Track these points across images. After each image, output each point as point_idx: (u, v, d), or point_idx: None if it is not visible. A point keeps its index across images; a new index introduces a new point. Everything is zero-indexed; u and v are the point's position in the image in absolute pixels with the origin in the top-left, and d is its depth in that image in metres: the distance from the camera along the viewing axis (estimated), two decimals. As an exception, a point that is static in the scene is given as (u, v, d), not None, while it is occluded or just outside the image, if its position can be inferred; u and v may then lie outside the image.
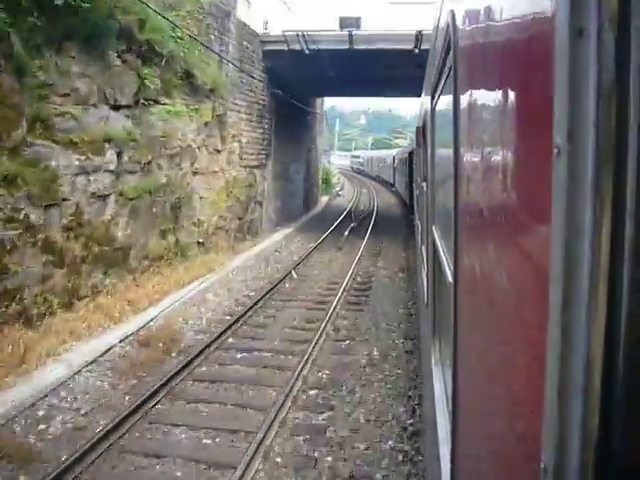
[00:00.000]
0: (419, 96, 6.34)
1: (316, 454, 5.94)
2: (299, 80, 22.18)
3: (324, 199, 37.61)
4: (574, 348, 0.68)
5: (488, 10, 1.40)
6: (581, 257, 0.67)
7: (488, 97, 1.39)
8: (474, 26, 1.70)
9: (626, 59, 0.63)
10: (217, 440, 6.17)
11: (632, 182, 0.63)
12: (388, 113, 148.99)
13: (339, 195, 44.14)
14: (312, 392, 7.44)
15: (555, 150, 0.71)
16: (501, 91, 1.19)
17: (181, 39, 11.97)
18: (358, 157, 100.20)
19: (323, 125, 38.26)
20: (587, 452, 0.67)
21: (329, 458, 5.86)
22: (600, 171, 0.65)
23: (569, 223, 0.68)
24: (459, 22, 2.06)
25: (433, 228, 3.80)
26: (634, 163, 0.63)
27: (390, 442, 6.18)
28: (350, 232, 22.31)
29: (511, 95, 1.09)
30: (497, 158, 1.23)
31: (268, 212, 21.14)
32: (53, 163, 8.49)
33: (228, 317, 10.37)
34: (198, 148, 13.76)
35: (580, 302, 0.67)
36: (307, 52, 17.76)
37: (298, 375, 7.65)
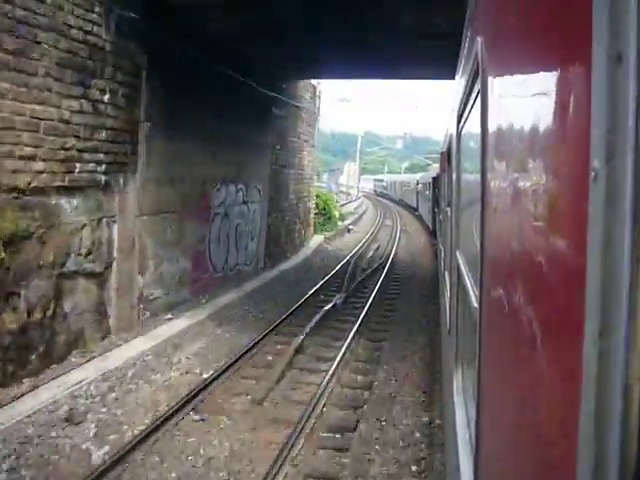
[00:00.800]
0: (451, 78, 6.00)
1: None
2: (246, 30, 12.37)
3: (317, 240, 25.51)
4: (611, 375, 0.66)
5: (517, 36, 1.40)
6: (619, 285, 0.65)
7: (518, 123, 1.39)
8: (503, 52, 1.70)
9: None
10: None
11: None
12: (425, 138, 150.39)
13: (350, 231, 33.08)
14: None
15: (592, 173, 0.70)
16: (532, 117, 1.19)
17: None
18: (382, 181, 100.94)
19: (315, 129, 24.57)
20: None
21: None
22: (639, 195, 0.64)
23: (606, 249, 0.67)
24: (487, 48, 2.07)
25: (457, 253, 3.78)
26: None
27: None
28: (328, 317, 12.13)
29: (544, 120, 1.09)
30: (527, 184, 1.22)
31: (134, 287, 10.61)
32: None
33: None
34: None
35: (619, 330, 0.65)
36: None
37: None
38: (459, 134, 4.05)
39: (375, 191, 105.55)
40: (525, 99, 1.29)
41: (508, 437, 1.35)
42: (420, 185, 37.16)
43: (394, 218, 44.78)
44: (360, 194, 78.80)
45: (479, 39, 2.26)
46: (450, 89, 5.96)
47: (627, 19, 0.66)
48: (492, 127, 1.87)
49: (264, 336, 10.52)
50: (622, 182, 0.65)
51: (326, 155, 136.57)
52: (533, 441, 1.05)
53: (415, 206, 42.81)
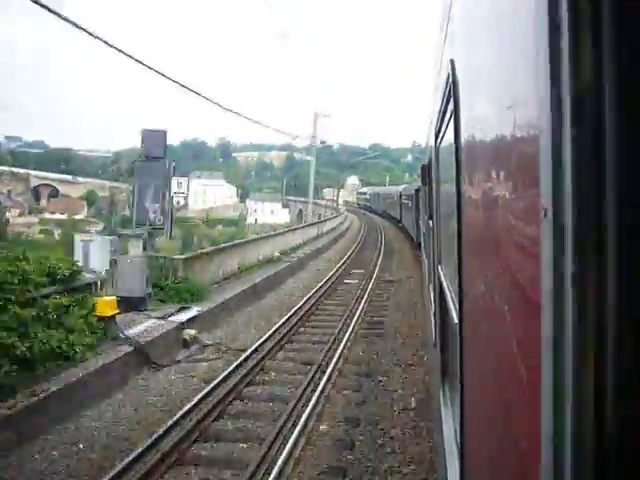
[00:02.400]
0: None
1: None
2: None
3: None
4: (565, 395, 0.71)
5: (484, 60, 1.45)
6: (567, 307, 0.71)
7: (486, 143, 1.43)
8: (472, 75, 1.75)
9: (601, 128, 0.68)
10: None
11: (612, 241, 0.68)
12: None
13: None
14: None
15: (542, 212, 0.76)
16: (497, 139, 1.23)
17: None
18: (364, 194, 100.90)
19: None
20: None
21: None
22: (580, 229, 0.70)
23: (556, 271, 0.73)
24: (458, 70, 2.13)
25: (439, 268, 3.82)
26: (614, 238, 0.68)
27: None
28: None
29: (505, 144, 1.13)
30: (495, 201, 1.26)
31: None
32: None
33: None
34: None
35: (567, 343, 0.71)
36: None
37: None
38: (437, 149, 4.10)
39: (358, 204, 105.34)
40: (491, 123, 1.34)
41: (489, 450, 1.38)
42: (403, 197, 37.24)
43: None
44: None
45: (450, 60, 2.31)
46: (428, 101, 6.03)
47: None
48: (464, 147, 1.92)
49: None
50: (566, 224, 0.71)
51: (329, 169, 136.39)
52: (506, 453, 1.08)
53: (399, 218, 42.89)
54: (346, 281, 23.49)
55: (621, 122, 0.67)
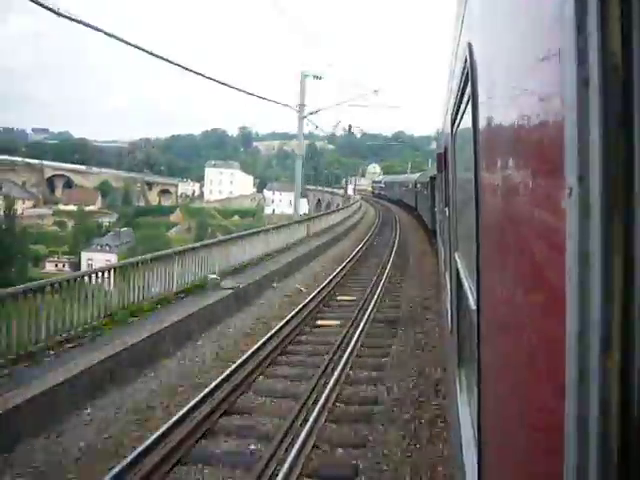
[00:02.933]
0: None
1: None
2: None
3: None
4: (590, 381, 0.70)
5: (503, 42, 1.44)
6: (593, 287, 0.70)
7: (505, 128, 1.42)
8: (490, 58, 1.74)
9: (629, 106, 0.67)
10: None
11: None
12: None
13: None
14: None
15: (567, 194, 0.74)
16: (517, 123, 1.22)
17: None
18: (380, 182, 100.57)
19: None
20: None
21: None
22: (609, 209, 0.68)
23: (581, 252, 0.72)
24: (476, 54, 2.10)
25: (456, 255, 3.81)
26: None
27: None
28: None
29: (526, 128, 1.12)
30: (515, 187, 1.26)
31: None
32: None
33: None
34: None
35: (594, 330, 0.70)
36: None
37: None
38: (454, 136, 4.07)
39: (373, 192, 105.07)
40: (510, 106, 1.33)
41: (509, 435, 1.38)
42: (419, 185, 37.12)
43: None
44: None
45: (468, 44, 2.29)
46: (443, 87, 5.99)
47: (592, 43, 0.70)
48: (482, 132, 1.91)
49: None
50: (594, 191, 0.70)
51: (354, 159, 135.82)
52: (531, 440, 1.08)
53: (414, 206, 42.81)
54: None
55: None
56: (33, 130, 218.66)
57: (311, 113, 33.65)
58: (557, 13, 0.79)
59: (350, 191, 67.97)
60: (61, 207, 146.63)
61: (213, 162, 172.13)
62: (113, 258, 68.84)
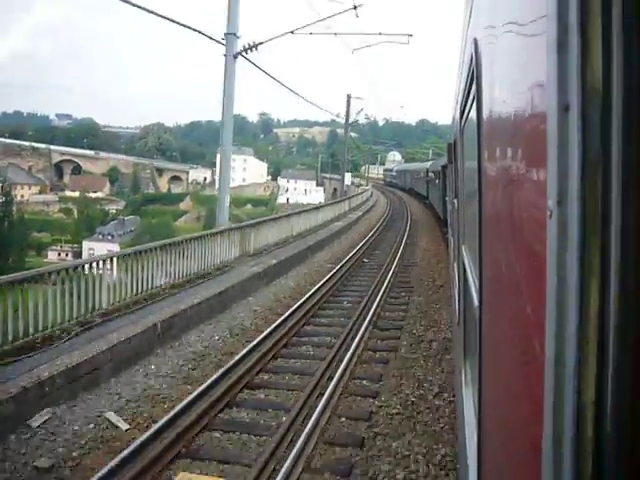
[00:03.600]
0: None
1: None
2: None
3: None
4: (565, 385, 0.74)
5: (507, 39, 1.46)
6: (570, 302, 0.73)
7: (505, 125, 1.45)
8: (493, 55, 1.76)
9: (609, 132, 0.69)
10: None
11: (615, 242, 0.69)
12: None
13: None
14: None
15: (548, 212, 0.78)
16: (515, 121, 1.25)
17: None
18: (391, 170, 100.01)
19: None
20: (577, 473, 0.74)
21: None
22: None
23: (561, 267, 0.75)
24: (481, 49, 2.12)
25: (463, 248, 3.83)
26: (617, 232, 0.69)
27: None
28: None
29: (524, 127, 1.14)
30: (513, 184, 1.28)
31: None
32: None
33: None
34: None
35: (570, 338, 0.73)
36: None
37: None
38: (462, 127, 4.08)
39: (384, 180, 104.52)
40: (511, 104, 1.35)
41: (507, 430, 1.41)
42: (431, 173, 36.90)
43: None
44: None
45: (474, 39, 2.30)
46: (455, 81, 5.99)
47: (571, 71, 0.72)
48: (485, 126, 1.93)
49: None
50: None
51: (373, 146, 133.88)
52: (528, 434, 1.11)
53: (426, 195, 42.60)
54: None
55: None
56: (57, 116, 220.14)
57: (249, 48, 19.27)
58: (557, 12, 0.80)
59: (347, 181, 67.23)
60: (68, 194, 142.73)
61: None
62: (115, 248, 61.83)
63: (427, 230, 32.56)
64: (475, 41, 2.26)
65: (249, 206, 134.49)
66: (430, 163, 42.43)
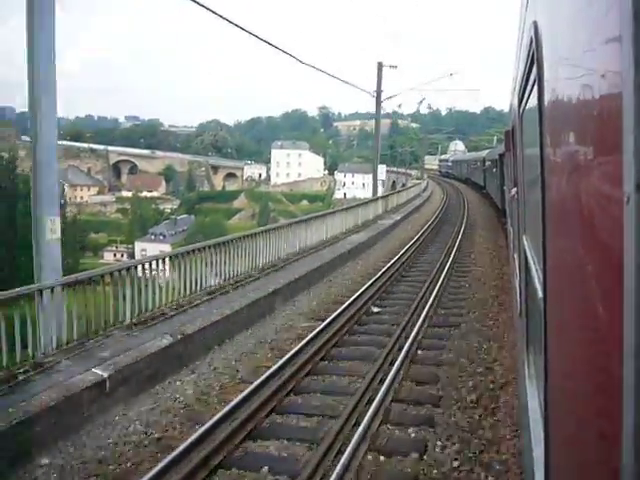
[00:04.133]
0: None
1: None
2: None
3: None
4: None
5: (570, 21, 1.41)
6: None
7: (570, 110, 1.40)
8: (556, 37, 1.71)
9: None
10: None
11: None
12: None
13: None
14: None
15: (625, 197, 0.74)
16: (581, 105, 1.21)
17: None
18: (446, 161, 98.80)
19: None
20: None
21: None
22: None
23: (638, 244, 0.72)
24: (542, 32, 2.07)
25: (524, 238, 3.75)
26: None
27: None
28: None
29: (591, 111, 1.11)
30: (581, 170, 1.24)
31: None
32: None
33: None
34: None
35: None
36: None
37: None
38: (521, 114, 4.00)
39: (440, 171, 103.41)
40: (575, 87, 1.31)
41: (579, 427, 1.37)
42: (487, 162, 36.34)
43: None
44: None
45: (533, 22, 2.25)
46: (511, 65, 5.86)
47: None
48: (548, 111, 1.88)
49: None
50: None
51: (436, 135, 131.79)
52: (600, 429, 1.08)
53: (483, 184, 42.04)
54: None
55: None
56: (125, 118, 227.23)
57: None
58: None
59: (382, 174, 65.61)
60: (124, 194, 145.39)
61: (280, 142, 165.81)
62: (167, 248, 59.58)
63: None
64: (535, 23, 2.21)
65: (305, 202, 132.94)
66: (487, 152, 41.82)
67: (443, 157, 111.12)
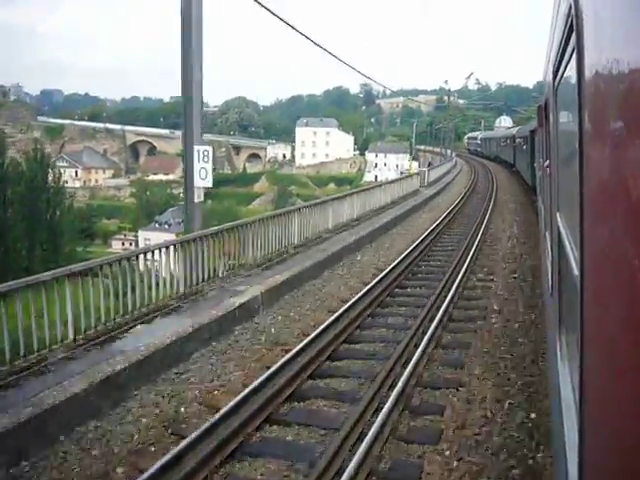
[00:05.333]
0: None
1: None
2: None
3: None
4: None
5: None
6: None
7: (614, 79, 1.35)
8: (599, 4, 1.65)
9: None
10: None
11: None
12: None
13: None
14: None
15: None
16: (628, 74, 1.16)
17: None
18: (475, 138, 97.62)
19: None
20: None
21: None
22: None
23: None
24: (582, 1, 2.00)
25: (557, 215, 3.69)
26: None
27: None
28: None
29: (636, 84, 1.07)
30: (624, 143, 1.20)
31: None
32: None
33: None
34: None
35: None
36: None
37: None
38: (556, 87, 3.92)
39: (469, 149, 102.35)
40: (623, 57, 1.26)
41: (613, 412, 1.35)
42: (518, 139, 35.94)
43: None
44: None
45: None
46: (544, 37, 5.73)
47: None
48: (588, 82, 1.82)
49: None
50: None
51: (483, 112, 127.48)
52: (638, 415, 1.05)
53: (512, 162, 41.67)
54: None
55: None
56: (171, 98, 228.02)
57: None
58: None
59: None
60: (139, 177, 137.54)
61: (305, 120, 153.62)
62: (172, 238, 53.11)
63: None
64: None
65: (332, 185, 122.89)
66: (517, 129, 41.35)
67: (472, 135, 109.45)
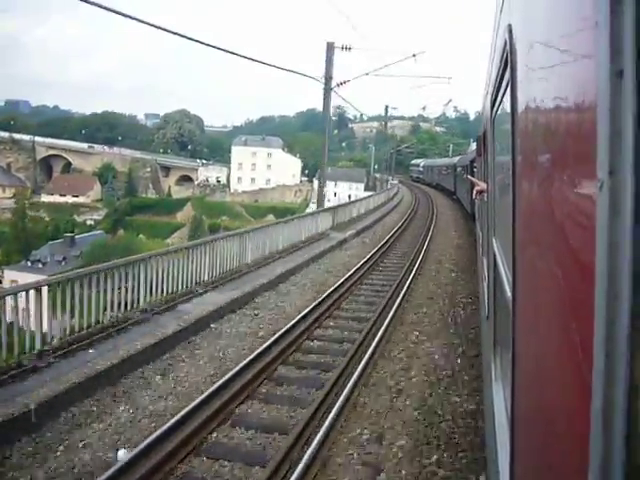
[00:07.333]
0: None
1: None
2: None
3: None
4: (616, 375, 0.75)
5: (544, 26, 1.44)
6: (622, 283, 0.75)
7: (542, 115, 1.44)
8: (530, 41, 1.74)
9: None
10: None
11: None
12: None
13: None
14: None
15: (598, 185, 0.79)
16: (554, 110, 1.24)
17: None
18: (417, 166, 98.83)
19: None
20: (629, 467, 0.75)
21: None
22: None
23: (611, 245, 0.75)
24: (516, 36, 2.11)
25: (493, 240, 3.83)
26: None
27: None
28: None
29: (563, 116, 1.15)
30: (551, 175, 1.28)
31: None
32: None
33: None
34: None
35: (623, 322, 0.74)
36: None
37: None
38: (493, 119, 4.08)
39: (411, 176, 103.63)
40: (548, 93, 1.34)
41: (541, 424, 1.42)
42: (459, 168, 36.76)
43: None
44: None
45: (508, 25, 2.30)
46: (484, 71, 5.95)
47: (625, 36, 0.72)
48: (521, 116, 1.93)
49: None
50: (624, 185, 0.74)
51: (462, 139, 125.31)
52: (567, 433, 1.11)
53: (453, 190, 42.52)
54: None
55: None
56: (145, 115, 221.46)
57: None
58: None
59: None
60: (43, 198, 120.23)
61: (244, 138, 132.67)
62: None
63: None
64: (509, 27, 2.26)
65: (271, 216, 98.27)
66: (458, 158, 42.30)
67: (415, 162, 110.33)
